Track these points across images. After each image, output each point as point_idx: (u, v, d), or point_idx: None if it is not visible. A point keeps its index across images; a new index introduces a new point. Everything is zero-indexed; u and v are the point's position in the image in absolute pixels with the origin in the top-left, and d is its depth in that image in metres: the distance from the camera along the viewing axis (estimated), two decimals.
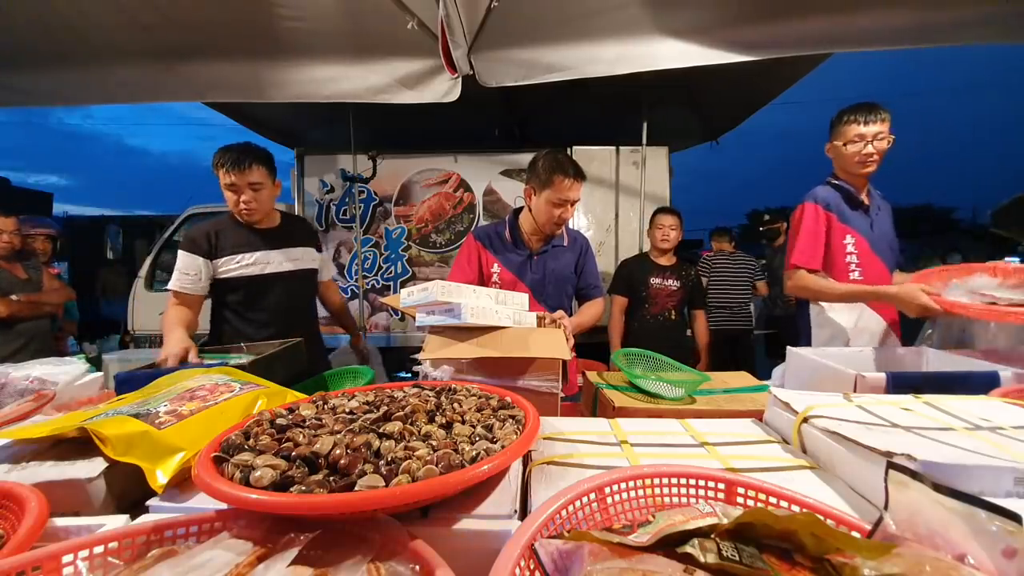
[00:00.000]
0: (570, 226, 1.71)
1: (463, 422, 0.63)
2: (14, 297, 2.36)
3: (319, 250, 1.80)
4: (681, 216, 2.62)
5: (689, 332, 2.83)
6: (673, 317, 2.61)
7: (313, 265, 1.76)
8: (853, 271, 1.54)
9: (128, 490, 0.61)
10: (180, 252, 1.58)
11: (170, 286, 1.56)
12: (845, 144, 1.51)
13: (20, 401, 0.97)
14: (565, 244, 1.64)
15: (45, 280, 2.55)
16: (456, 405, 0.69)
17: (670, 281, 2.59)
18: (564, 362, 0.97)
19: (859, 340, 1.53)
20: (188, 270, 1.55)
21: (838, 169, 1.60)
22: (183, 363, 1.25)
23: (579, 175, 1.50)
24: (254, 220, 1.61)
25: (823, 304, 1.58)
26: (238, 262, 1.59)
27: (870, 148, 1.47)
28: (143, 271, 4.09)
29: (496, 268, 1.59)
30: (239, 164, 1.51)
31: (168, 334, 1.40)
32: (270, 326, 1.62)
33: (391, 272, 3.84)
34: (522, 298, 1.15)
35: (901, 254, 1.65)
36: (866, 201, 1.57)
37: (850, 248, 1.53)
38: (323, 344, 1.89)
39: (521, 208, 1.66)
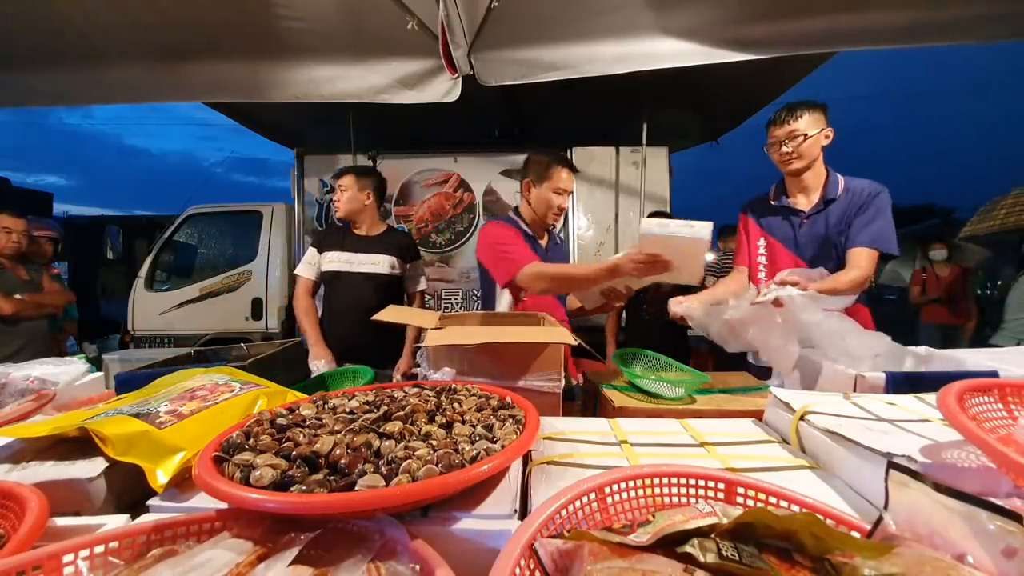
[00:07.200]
0: (566, 225, 1.79)
1: (463, 422, 0.63)
2: (18, 296, 2.37)
3: (407, 262, 1.97)
4: (671, 217, 2.62)
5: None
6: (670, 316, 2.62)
7: (390, 272, 1.91)
8: (761, 271, 1.59)
9: (128, 490, 0.61)
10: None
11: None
12: (768, 147, 1.55)
13: (20, 401, 0.96)
14: (559, 243, 1.75)
15: (44, 282, 2.55)
16: (456, 405, 0.69)
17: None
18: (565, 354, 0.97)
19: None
20: (307, 258, 1.91)
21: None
22: None
23: (574, 169, 1.61)
24: (340, 216, 1.92)
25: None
26: (329, 258, 1.88)
27: (786, 148, 1.48)
28: (143, 271, 4.09)
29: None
30: (337, 173, 1.93)
31: (307, 332, 1.78)
32: (343, 319, 1.84)
33: None
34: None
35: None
36: (793, 203, 1.54)
37: (761, 250, 1.60)
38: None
39: (517, 207, 1.68)
